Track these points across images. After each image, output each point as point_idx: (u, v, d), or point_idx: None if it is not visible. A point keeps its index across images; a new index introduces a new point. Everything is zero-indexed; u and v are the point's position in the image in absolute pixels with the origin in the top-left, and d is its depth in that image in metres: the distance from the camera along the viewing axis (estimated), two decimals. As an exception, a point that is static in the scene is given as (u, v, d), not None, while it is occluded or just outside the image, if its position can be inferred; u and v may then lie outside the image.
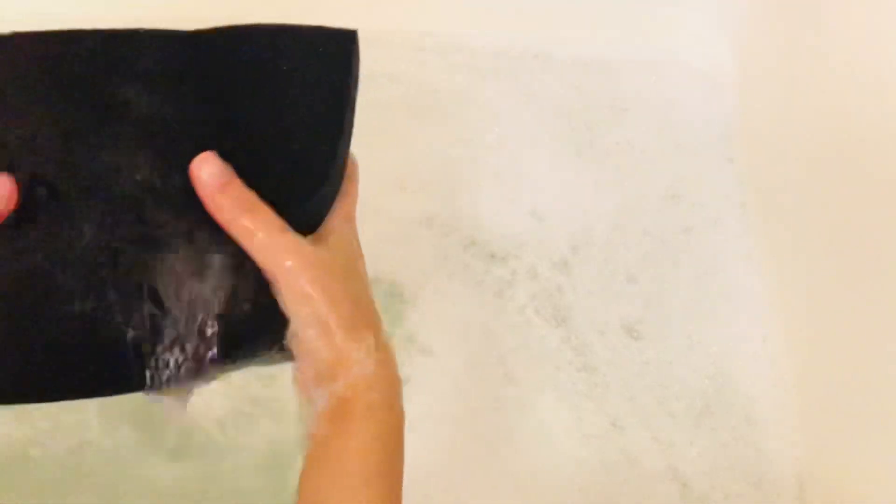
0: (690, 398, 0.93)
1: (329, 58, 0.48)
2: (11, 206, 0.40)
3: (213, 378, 0.45)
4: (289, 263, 0.43)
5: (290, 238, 0.43)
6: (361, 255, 0.49)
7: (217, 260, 0.43)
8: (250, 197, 0.43)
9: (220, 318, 0.43)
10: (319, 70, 0.47)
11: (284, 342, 0.45)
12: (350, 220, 0.49)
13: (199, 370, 0.43)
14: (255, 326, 0.44)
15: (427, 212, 1.00)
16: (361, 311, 0.46)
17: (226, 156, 0.43)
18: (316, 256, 0.44)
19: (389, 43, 1.09)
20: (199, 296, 0.43)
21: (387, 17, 1.09)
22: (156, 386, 0.42)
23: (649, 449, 0.90)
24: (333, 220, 0.47)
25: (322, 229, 0.46)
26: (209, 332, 0.43)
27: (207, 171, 0.43)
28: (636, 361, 0.95)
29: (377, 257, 0.92)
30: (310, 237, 0.45)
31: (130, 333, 0.41)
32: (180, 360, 0.43)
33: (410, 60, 1.10)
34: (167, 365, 0.42)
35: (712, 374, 0.95)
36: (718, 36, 1.14)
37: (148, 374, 0.42)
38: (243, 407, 0.88)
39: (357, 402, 0.44)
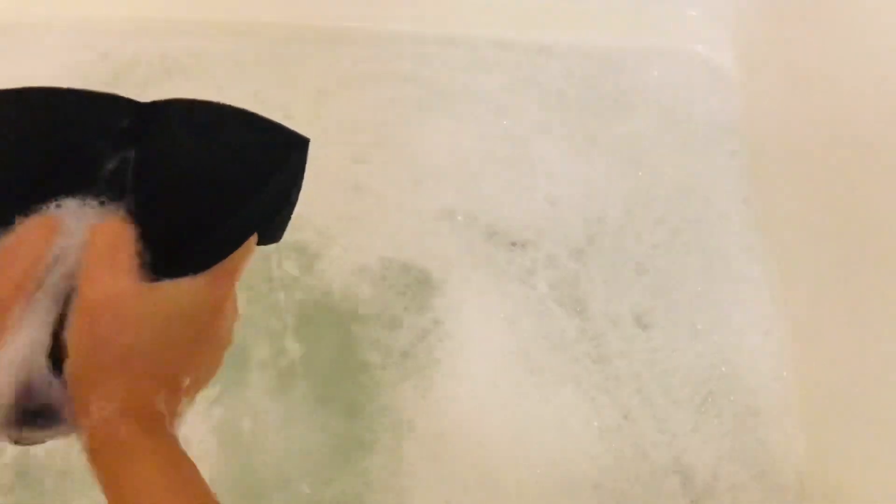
0: (694, 389, 0.94)
1: (268, 153, 0.50)
2: None
3: None
4: (100, 291, 0.43)
5: (122, 275, 0.44)
6: (199, 320, 0.47)
7: None
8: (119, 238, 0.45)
9: None
10: (254, 155, 0.50)
11: None
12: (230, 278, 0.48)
13: None
14: None
15: (446, 204, 1.01)
16: (112, 367, 0.43)
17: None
18: (119, 297, 0.43)
19: (394, 41, 1.11)
20: None
21: (389, 15, 1.12)
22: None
23: (656, 441, 0.91)
24: (195, 281, 0.46)
25: (178, 282, 0.46)
26: None
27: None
28: (645, 351, 0.95)
29: (403, 248, 0.96)
30: (150, 284, 0.45)
31: None
32: None
33: (416, 58, 1.11)
34: None
35: (716, 364, 0.96)
36: (723, 30, 1.15)
37: None
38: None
39: (110, 445, 0.43)
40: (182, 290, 0.45)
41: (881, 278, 0.83)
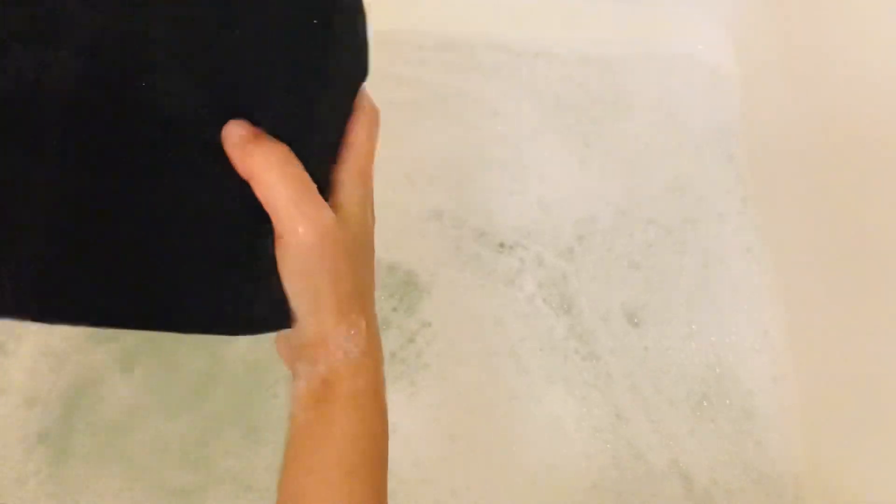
0: (690, 389, 0.94)
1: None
2: None
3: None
4: (310, 234, 0.39)
5: (317, 210, 0.40)
6: (373, 222, 0.46)
7: (226, 202, 0.41)
8: (279, 152, 0.39)
9: (213, 265, 0.41)
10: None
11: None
12: (363, 176, 0.44)
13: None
14: (246, 285, 0.42)
15: (436, 205, 1.01)
16: (359, 295, 0.43)
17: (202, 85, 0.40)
18: (329, 229, 0.40)
19: (390, 43, 1.11)
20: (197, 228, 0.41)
21: (386, 17, 1.10)
22: None
23: (652, 442, 0.91)
24: (343, 177, 0.43)
25: (339, 195, 0.43)
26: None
27: (236, 130, 0.39)
28: (637, 349, 0.95)
29: (390, 248, 0.97)
30: (329, 204, 0.41)
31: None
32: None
33: (411, 60, 1.11)
34: None
35: (712, 365, 0.96)
36: (720, 32, 1.15)
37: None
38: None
39: (341, 388, 0.42)
40: (349, 199, 0.43)
41: (879, 279, 0.83)
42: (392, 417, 0.86)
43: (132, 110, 0.40)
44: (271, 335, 0.45)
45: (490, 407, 0.92)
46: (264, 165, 0.39)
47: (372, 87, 0.47)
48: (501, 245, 1.01)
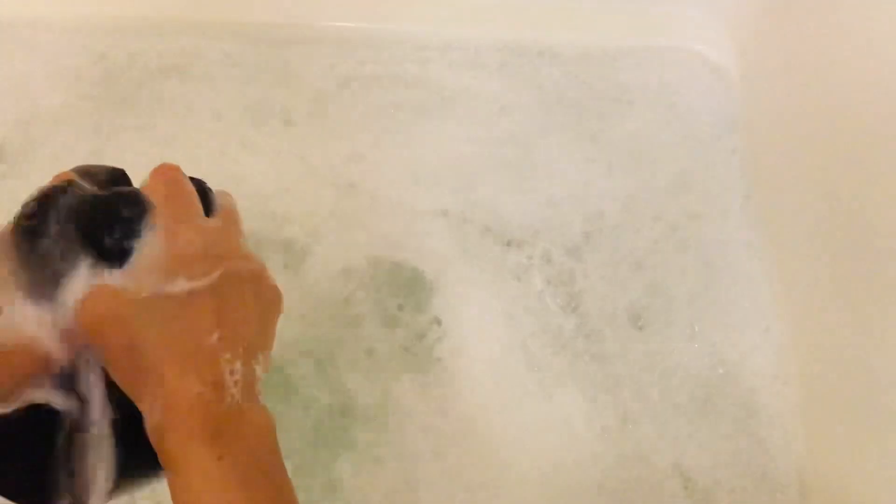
0: (693, 389, 0.94)
1: None
2: None
3: None
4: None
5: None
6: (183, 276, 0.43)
7: None
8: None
9: None
10: None
11: None
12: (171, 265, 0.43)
13: None
14: None
15: (442, 204, 1.02)
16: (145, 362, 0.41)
17: None
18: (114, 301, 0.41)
19: (392, 43, 1.11)
20: None
21: (387, 17, 1.12)
22: None
23: (656, 443, 0.91)
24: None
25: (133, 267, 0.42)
26: None
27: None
28: (642, 350, 0.96)
29: (396, 247, 0.97)
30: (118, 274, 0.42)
31: None
32: None
33: (414, 59, 1.11)
34: None
35: (714, 364, 0.96)
36: (722, 28, 1.15)
37: None
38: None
39: (168, 440, 0.41)
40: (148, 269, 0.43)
41: (882, 276, 0.83)
42: (408, 410, 0.88)
43: None
44: None
45: (502, 403, 0.92)
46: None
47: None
48: (509, 243, 1.01)
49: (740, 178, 1.07)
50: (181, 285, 0.42)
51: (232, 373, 0.42)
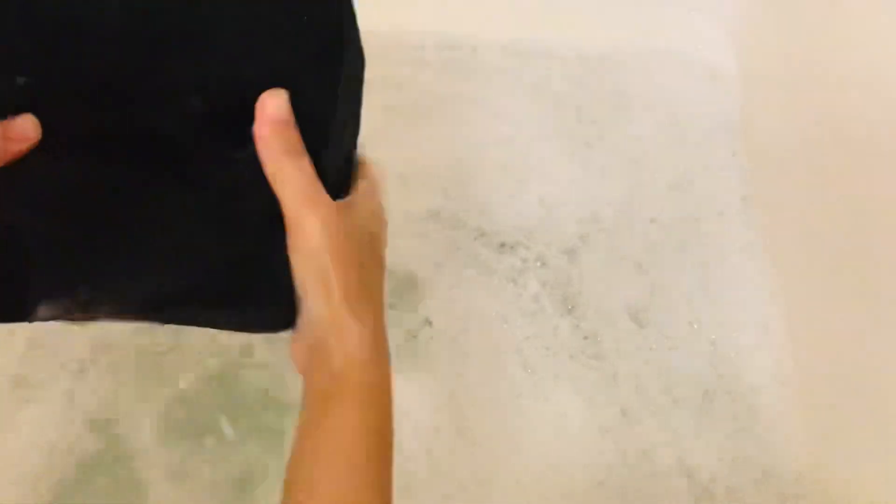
0: (693, 387, 0.94)
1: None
2: (27, 147, 0.41)
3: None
4: (313, 219, 0.42)
5: (322, 196, 0.42)
6: (384, 241, 0.48)
7: (243, 191, 0.43)
8: (299, 145, 0.42)
9: (228, 253, 0.43)
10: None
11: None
12: (373, 194, 0.47)
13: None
14: (258, 276, 0.44)
15: (435, 205, 1.02)
16: (368, 290, 0.44)
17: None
18: (341, 222, 0.42)
19: (391, 44, 1.11)
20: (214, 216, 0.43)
21: (387, 17, 1.07)
22: None
23: (657, 441, 0.91)
24: (358, 195, 0.46)
25: (350, 198, 0.45)
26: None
27: (275, 104, 0.42)
28: (641, 348, 0.96)
29: (389, 249, 0.98)
30: (340, 202, 0.44)
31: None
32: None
33: (413, 61, 1.11)
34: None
35: (714, 363, 0.96)
36: (721, 31, 1.15)
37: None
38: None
39: (349, 383, 0.43)
40: (360, 205, 0.45)
41: (880, 276, 0.83)
42: (401, 407, 0.88)
43: (150, 100, 0.42)
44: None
45: (497, 403, 0.92)
46: (281, 154, 0.42)
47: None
48: (503, 245, 1.01)
49: (738, 179, 1.07)
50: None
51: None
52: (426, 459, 0.88)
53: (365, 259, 0.44)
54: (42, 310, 0.43)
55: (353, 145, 0.48)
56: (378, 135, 1.04)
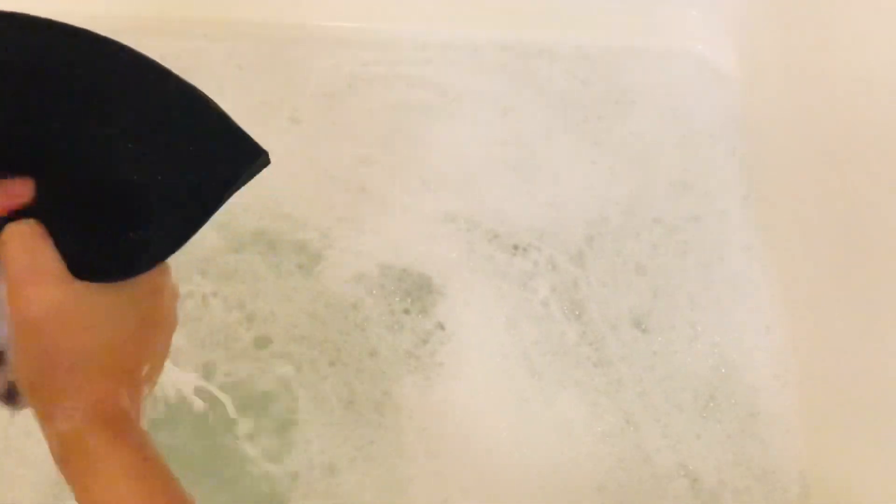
0: (696, 390, 0.95)
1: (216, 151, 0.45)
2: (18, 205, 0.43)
3: None
4: (23, 304, 0.42)
5: (43, 280, 0.42)
6: (153, 324, 0.46)
7: None
8: (30, 227, 0.42)
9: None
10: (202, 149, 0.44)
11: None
12: (155, 293, 0.46)
13: None
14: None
15: (449, 208, 1.02)
16: (82, 371, 0.43)
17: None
18: (53, 307, 0.42)
19: (395, 45, 1.11)
20: None
21: (390, 18, 1.11)
22: None
23: (660, 445, 0.92)
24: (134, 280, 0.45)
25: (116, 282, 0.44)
26: None
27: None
28: (645, 354, 0.96)
29: (403, 251, 0.97)
30: (73, 286, 0.43)
31: None
32: None
33: (417, 61, 1.11)
34: None
35: (716, 365, 0.96)
36: (722, 28, 1.15)
37: None
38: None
39: (73, 455, 0.42)
40: (117, 283, 0.44)
41: (881, 277, 0.83)
42: (408, 411, 0.89)
43: None
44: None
45: (502, 408, 0.92)
46: (9, 236, 0.42)
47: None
48: (515, 247, 1.01)
49: (740, 178, 1.08)
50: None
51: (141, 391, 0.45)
52: (429, 462, 0.89)
53: (92, 344, 0.43)
54: None
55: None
56: (391, 135, 1.06)
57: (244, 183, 0.45)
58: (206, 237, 0.95)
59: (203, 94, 0.44)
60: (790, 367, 0.97)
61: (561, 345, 0.96)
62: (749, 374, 0.96)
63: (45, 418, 0.43)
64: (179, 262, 0.47)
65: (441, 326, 0.95)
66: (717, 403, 0.94)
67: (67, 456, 0.42)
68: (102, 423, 0.42)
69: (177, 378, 0.90)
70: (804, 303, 0.97)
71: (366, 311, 0.95)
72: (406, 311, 0.96)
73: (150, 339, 0.46)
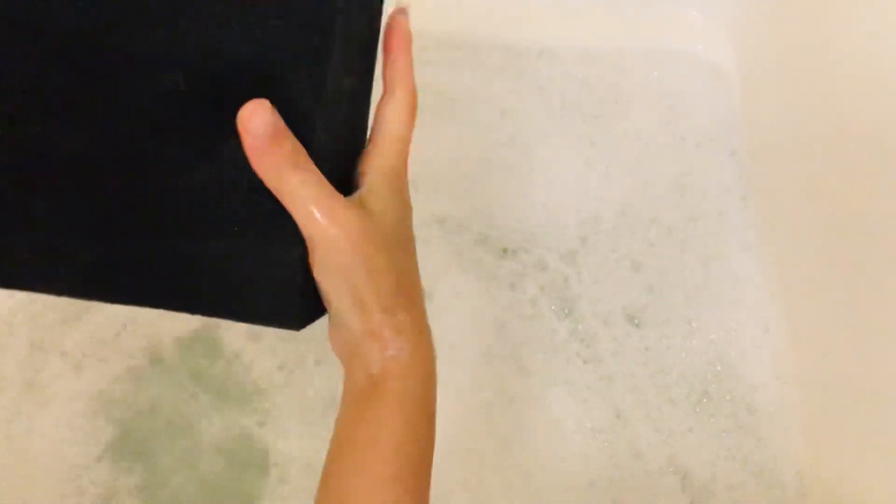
0: (690, 387, 0.94)
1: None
2: None
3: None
4: (332, 235, 0.39)
5: (337, 209, 0.39)
6: (409, 214, 0.44)
7: (252, 213, 0.40)
8: (300, 153, 0.39)
9: (248, 279, 0.41)
10: None
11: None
12: (392, 168, 0.43)
13: None
14: (281, 295, 0.41)
15: (440, 209, 1.02)
16: (403, 288, 0.41)
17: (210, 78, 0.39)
18: (361, 226, 0.39)
19: None
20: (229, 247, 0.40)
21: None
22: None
23: (652, 441, 0.91)
24: (374, 177, 0.42)
25: (365, 189, 0.42)
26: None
27: (259, 121, 0.37)
28: (638, 350, 0.96)
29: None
30: (355, 200, 0.41)
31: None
32: None
33: (417, 61, 1.09)
34: None
35: (713, 363, 0.96)
36: (720, 29, 1.15)
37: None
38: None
39: (388, 388, 0.41)
40: (377, 194, 0.42)
41: (880, 276, 0.83)
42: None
43: (128, 70, 0.40)
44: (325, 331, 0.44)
45: (490, 407, 0.92)
46: (281, 169, 0.38)
47: (376, 88, 0.46)
48: (504, 250, 1.01)
49: (738, 179, 1.07)
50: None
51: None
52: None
53: (397, 262, 0.41)
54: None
55: (360, 126, 0.44)
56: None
57: None
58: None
59: None
60: (789, 366, 0.96)
61: (551, 343, 0.96)
62: (746, 371, 0.96)
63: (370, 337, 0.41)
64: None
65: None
66: (712, 400, 0.94)
67: (372, 385, 0.41)
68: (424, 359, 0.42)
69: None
70: (803, 302, 0.97)
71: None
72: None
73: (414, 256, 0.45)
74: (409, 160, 0.45)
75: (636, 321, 0.98)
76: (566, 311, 0.98)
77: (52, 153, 0.40)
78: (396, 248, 0.42)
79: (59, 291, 0.42)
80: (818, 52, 0.96)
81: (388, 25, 0.45)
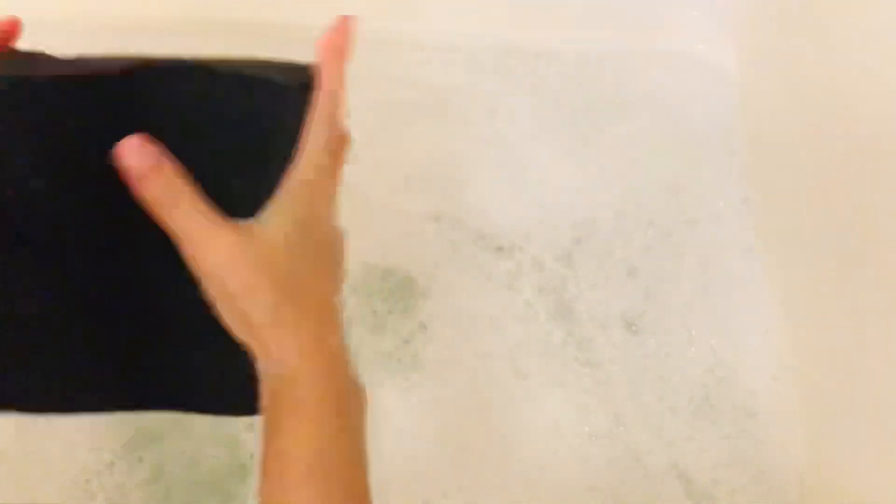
0: (691, 392, 0.94)
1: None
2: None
3: None
4: (207, 262, 0.40)
5: (211, 232, 0.40)
6: (320, 227, 0.45)
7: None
8: (177, 184, 0.40)
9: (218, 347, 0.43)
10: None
11: None
12: (301, 191, 0.44)
13: None
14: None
15: (435, 208, 1.02)
16: (298, 301, 0.42)
17: None
18: (236, 248, 0.40)
19: (389, 43, 1.08)
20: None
21: (386, 17, 1.08)
22: None
23: (652, 445, 0.91)
24: (279, 195, 0.43)
25: (267, 209, 0.43)
26: None
27: (135, 153, 0.39)
28: (637, 355, 0.96)
29: (388, 251, 0.96)
30: (245, 222, 0.42)
31: None
32: None
33: (411, 60, 1.10)
34: None
35: (712, 367, 0.96)
36: (720, 30, 1.14)
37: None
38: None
39: (284, 398, 0.42)
40: (279, 212, 0.43)
41: (880, 278, 0.83)
42: (385, 412, 0.88)
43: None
44: None
45: (485, 409, 0.92)
46: (163, 202, 0.40)
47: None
48: (500, 248, 1.01)
49: (738, 180, 1.07)
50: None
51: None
52: (408, 465, 0.88)
53: (292, 275, 0.42)
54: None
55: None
56: (378, 132, 1.06)
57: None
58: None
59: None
60: (789, 369, 0.96)
61: (547, 345, 0.96)
62: (747, 375, 0.96)
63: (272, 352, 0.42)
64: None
65: (423, 327, 0.95)
66: (712, 404, 0.94)
67: (279, 394, 0.42)
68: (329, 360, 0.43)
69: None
70: (804, 305, 0.97)
71: (349, 310, 0.95)
72: (389, 312, 0.96)
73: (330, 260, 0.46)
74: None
75: (634, 327, 0.97)
76: (563, 313, 0.98)
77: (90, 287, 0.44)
78: (289, 263, 0.42)
79: (84, 409, 0.47)
80: (819, 53, 0.96)
81: (323, 40, 0.48)
